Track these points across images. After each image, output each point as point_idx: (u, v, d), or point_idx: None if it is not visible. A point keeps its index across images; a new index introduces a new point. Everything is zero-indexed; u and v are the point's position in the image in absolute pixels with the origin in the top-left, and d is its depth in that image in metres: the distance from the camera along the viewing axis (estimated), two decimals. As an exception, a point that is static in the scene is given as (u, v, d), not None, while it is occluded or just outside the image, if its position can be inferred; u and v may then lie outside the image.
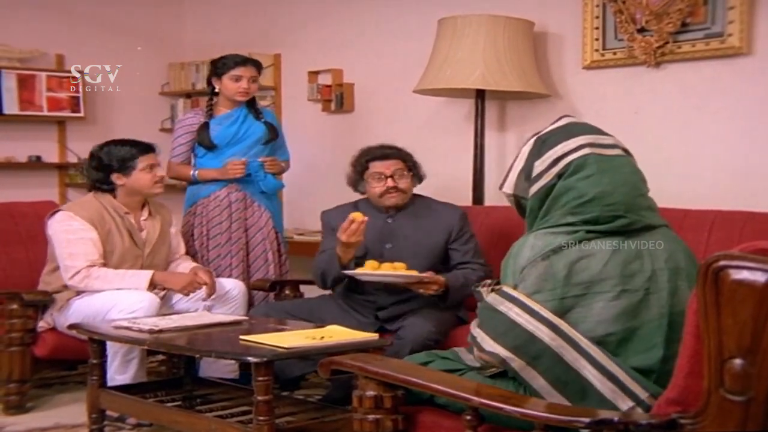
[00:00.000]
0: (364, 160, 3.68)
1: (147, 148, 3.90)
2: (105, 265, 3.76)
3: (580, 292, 2.15)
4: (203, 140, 4.31)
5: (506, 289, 2.22)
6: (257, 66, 4.36)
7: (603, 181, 2.23)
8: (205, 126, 4.33)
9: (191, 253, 4.31)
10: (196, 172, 4.37)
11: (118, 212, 3.86)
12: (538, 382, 2.12)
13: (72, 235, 3.75)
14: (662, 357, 2.11)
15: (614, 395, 2.06)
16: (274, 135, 4.38)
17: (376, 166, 3.65)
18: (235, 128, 4.32)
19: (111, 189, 3.88)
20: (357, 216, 3.38)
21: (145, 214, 3.95)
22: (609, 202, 2.23)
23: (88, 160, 3.95)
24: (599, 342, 2.12)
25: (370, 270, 3.41)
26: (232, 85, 4.28)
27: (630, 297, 2.15)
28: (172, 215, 4.11)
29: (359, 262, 3.49)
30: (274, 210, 4.44)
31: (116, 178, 3.85)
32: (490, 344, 2.18)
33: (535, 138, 2.38)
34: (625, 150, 2.38)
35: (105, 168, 3.85)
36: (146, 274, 3.73)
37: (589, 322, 2.13)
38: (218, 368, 3.89)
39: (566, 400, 2.09)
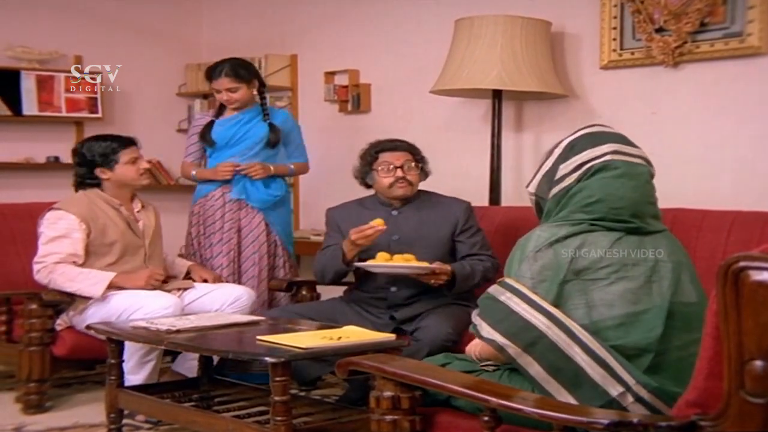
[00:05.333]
0: (373, 151, 3.74)
1: (128, 142, 3.95)
2: (82, 264, 3.77)
3: (580, 278, 2.23)
4: (204, 137, 4.38)
5: (508, 280, 2.30)
6: (234, 74, 4.26)
7: (614, 185, 2.32)
8: (209, 124, 4.39)
9: (190, 252, 4.41)
10: (195, 171, 4.44)
11: (112, 205, 3.90)
12: (533, 368, 2.18)
13: (54, 233, 3.80)
14: (660, 336, 2.17)
15: (604, 380, 2.11)
16: (275, 137, 4.37)
17: (386, 157, 3.71)
18: (234, 130, 4.35)
19: (97, 184, 3.93)
20: (379, 222, 3.47)
21: (137, 206, 4.00)
22: (616, 205, 2.31)
23: (72, 157, 4.01)
24: (599, 326, 2.17)
25: (382, 262, 3.46)
26: (217, 95, 4.33)
27: (628, 283, 2.23)
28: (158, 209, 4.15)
29: (364, 257, 3.54)
30: (272, 213, 4.41)
31: (100, 173, 3.90)
32: (488, 331, 2.25)
33: (566, 143, 2.44)
34: (647, 161, 2.44)
35: (88, 163, 3.91)
36: (108, 276, 3.72)
37: (587, 307, 2.20)
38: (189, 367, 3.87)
39: (561, 386, 2.15)
